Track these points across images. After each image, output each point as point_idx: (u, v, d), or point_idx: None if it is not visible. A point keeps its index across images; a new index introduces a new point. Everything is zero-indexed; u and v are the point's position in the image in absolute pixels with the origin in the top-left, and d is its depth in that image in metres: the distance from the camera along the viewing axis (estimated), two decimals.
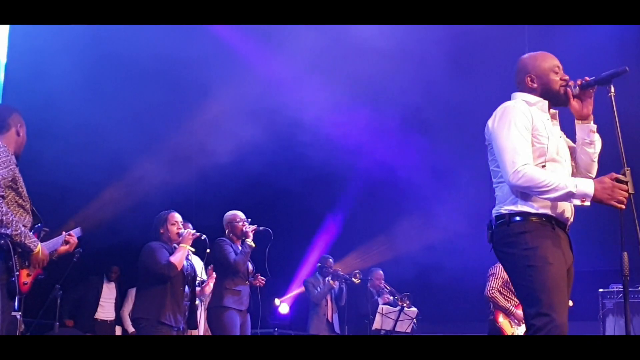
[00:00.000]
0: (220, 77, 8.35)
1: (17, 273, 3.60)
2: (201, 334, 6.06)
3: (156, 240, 5.24)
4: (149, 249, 5.15)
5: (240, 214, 6.10)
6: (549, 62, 3.24)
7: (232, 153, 8.57)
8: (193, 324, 5.30)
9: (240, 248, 5.90)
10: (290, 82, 8.55)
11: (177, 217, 5.32)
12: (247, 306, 5.89)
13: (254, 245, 5.90)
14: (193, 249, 5.38)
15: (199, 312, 5.56)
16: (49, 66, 7.54)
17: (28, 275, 3.76)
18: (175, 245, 5.23)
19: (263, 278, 6.10)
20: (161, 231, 5.25)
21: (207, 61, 8.33)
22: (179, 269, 5.07)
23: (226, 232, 6.04)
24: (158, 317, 4.96)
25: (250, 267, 6.05)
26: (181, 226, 5.31)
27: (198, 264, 6.15)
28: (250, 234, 5.90)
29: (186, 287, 5.26)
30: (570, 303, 6.11)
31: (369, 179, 9.97)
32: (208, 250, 5.63)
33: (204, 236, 5.46)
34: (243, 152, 8.69)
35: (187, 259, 5.31)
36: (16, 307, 3.63)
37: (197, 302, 5.56)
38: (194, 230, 5.38)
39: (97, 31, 7.20)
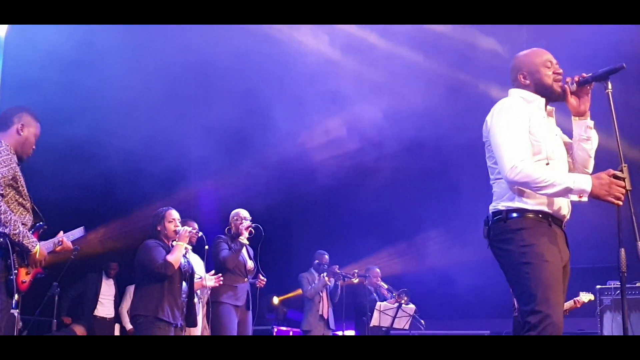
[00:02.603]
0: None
1: (16, 271, 3.60)
2: (199, 330, 6.05)
3: (153, 237, 5.23)
4: (146, 247, 5.15)
5: (242, 212, 6.22)
6: (540, 57, 3.24)
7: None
8: (192, 322, 5.30)
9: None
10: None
11: (175, 214, 5.30)
12: (245, 303, 5.97)
13: (246, 242, 6.05)
14: (190, 247, 5.39)
15: (197, 309, 5.55)
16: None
17: (27, 274, 3.76)
18: (172, 243, 5.22)
19: (264, 279, 6.20)
20: (158, 228, 5.24)
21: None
22: (176, 267, 5.08)
23: (226, 229, 6.22)
24: (156, 313, 4.97)
25: (250, 264, 6.14)
26: (178, 224, 5.29)
27: (196, 261, 6.17)
28: (244, 232, 6.05)
29: (184, 284, 5.25)
30: (592, 297, 6.15)
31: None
32: (207, 247, 5.74)
33: (200, 233, 5.53)
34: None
35: (184, 256, 5.31)
36: (14, 305, 3.63)
37: (195, 299, 5.56)
38: (191, 228, 5.37)
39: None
